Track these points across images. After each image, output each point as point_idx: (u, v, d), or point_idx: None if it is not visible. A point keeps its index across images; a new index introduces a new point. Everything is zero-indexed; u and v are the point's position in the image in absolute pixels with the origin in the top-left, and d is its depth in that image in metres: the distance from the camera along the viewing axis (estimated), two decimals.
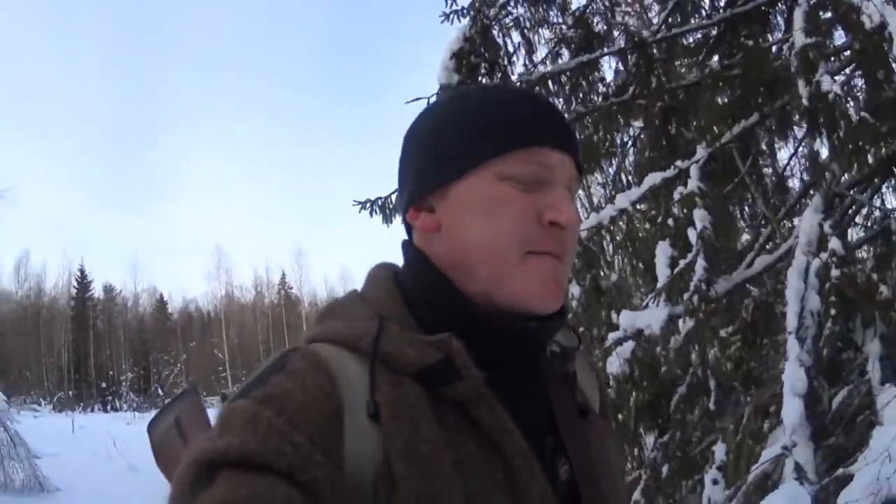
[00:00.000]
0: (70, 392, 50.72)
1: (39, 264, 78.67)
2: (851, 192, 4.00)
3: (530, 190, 0.81)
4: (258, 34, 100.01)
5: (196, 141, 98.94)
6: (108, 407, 49.06)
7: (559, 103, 6.25)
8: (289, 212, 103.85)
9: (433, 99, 5.27)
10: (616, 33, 7.20)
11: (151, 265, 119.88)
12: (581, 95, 6.32)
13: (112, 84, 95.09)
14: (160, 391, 48.18)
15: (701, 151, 4.44)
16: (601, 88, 6.35)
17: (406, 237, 0.92)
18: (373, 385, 0.73)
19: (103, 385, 54.43)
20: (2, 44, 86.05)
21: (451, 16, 5.94)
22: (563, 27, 6.68)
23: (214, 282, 67.03)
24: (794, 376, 2.91)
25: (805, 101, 3.60)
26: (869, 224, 4.44)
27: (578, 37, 6.41)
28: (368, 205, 5.86)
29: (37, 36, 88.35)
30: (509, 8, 6.29)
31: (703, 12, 6.27)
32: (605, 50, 5.92)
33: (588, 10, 6.55)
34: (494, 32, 6.28)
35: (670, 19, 6.06)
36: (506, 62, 6.24)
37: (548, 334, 0.86)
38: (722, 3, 5.89)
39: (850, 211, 4.15)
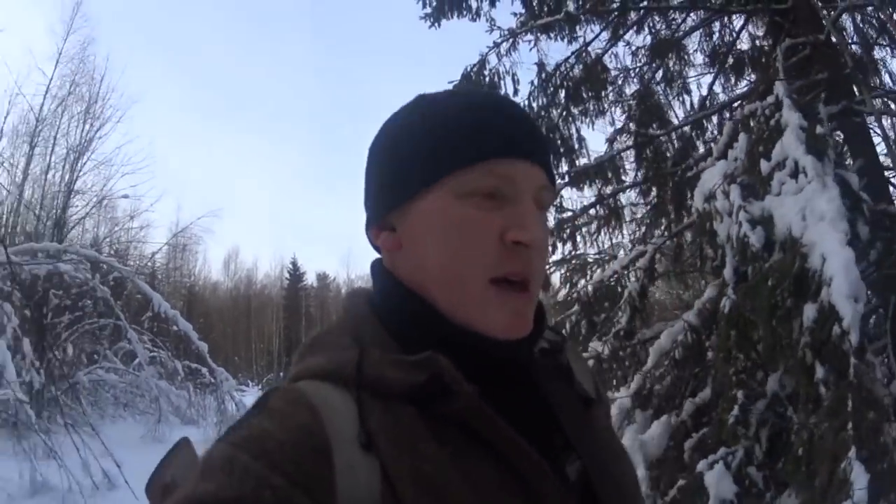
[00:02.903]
0: (280, 374, 52.90)
1: (250, 258, 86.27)
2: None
3: (493, 206, 0.76)
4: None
5: None
6: None
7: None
8: None
9: None
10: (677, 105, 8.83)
11: (363, 255, 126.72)
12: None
13: (324, 81, 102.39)
14: None
15: (660, 238, 6.47)
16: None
17: (378, 256, 0.87)
18: (361, 414, 0.70)
19: None
20: (213, 57, 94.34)
21: None
22: (631, 102, 7.93)
23: None
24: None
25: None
26: None
27: (640, 112, 7.73)
28: None
29: (244, 42, 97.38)
30: (570, 109, 7.70)
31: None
32: (622, 145, 7.62)
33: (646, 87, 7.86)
34: (561, 125, 7.72)
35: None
36: (576, 147, 7.67)
37: (529, 348, 0.82)
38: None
39: None
